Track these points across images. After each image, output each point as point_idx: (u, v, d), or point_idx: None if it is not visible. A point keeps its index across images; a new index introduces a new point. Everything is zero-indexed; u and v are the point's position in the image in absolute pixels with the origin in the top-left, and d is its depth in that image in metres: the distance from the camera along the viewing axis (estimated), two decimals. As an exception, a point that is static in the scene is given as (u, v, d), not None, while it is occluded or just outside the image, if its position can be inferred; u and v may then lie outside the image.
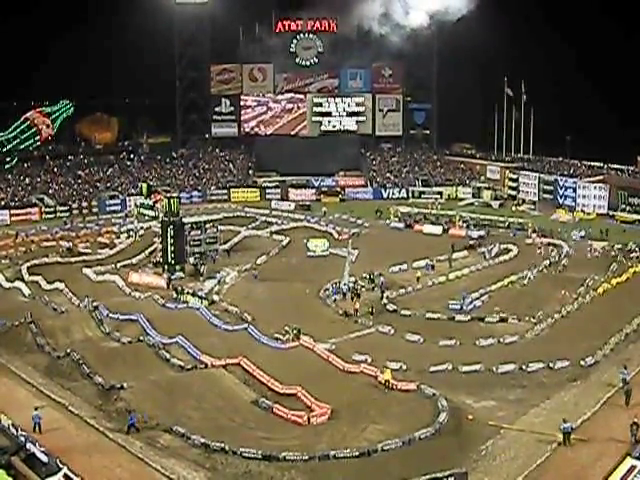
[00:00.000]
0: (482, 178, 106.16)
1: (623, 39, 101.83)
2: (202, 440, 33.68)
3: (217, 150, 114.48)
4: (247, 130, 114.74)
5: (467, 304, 54.14)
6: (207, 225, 69.43)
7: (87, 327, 50.75)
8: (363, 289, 58.70)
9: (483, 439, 34.13)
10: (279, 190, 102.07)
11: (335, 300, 56.15)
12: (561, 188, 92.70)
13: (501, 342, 47.13)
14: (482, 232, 76.81)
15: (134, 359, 44.43)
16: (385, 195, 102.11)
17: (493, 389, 39.87)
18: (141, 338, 47.73)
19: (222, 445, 33.11)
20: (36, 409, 34.82)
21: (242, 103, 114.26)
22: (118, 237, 77.54)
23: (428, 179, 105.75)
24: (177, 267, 64.18)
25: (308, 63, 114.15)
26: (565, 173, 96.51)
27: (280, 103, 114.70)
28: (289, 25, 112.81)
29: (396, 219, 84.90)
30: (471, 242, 70.20)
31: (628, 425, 33.52)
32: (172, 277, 62.18)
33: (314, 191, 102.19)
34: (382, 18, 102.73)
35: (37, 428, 33.92)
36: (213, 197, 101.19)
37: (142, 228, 77.86)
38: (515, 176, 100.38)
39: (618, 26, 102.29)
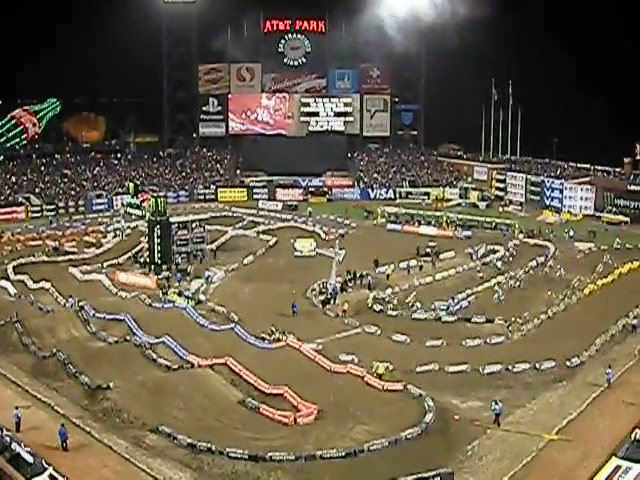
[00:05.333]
0: (469, 179, 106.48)
1: (611, 41, 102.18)
2: (188, 440, 33.62)
3: (204, 150, 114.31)
4: (234, 130, 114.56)
5: (454, 305, 54.26)
6: (194, 225, 69.34)
7: (73, 327, 50.49)
8: (350, 289, 59.03)
9: (469, 439, 34.23)
10: (266, 190, 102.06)
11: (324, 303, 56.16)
12: (548, 189, 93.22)
13: (487, 343, 47.26)
14: (469, 232, 77.46)
15: (120, 359, 44.24)
16: (372, 195, 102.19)
17: (479, 389, 39.95)
18: (127, 338, 47.58)
19: (208, 445, 33.07)
20: (17, 408, 34.73)
21: (229, 103, 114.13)
22: (105, 236, 77.31)
23: (415, 180, 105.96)
24: (163, 267, 64.11)
25: (296, 63, 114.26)
26: (552, 174, 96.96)
27: (268, 103, 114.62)
28: (277, 25, 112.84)
29: (383, 220, 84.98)
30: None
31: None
32: (163, 276, 62.16)
33: (301, 191, 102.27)
34: (371, 19, 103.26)
35: (16, 427, 33.92)
36: (200, 197, 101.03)
37: (129, 227, 77.69)
38: (502, 177, 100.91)
39: (606, 29, 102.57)
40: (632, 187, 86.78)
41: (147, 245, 65.71)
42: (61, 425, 33.45)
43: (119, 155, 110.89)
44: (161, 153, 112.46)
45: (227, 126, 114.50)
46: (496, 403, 36.16)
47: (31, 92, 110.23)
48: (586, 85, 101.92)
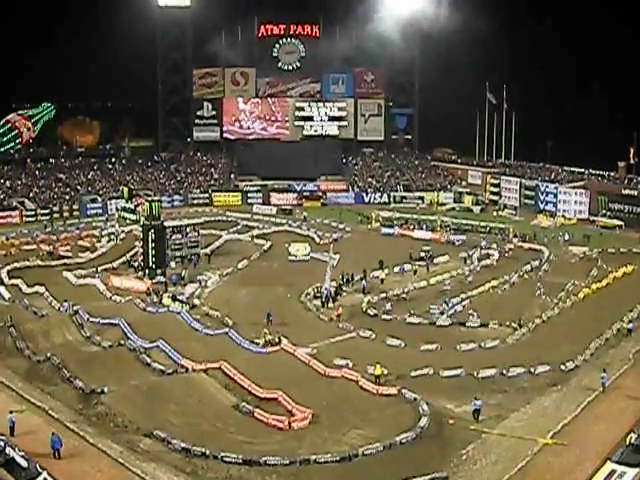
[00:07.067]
0: (464, 183, 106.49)
1: (605, 46, 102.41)
2: (183, 445, 33.53)
3: (199, 154, 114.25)
4: (229, 134, 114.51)
5: (448, 309, 54.21)
6: (188, 229, 69.35)
7: (67, 331, 50.42)
8: (345, 293, 59.07)
9: (464, 444, 34.17)
10: (261, 194, 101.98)
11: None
12: (542, 193, 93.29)
13: (482, 347, 47.23)
14: (464, 237, 77.50)
15: (115, 363, 44.15)
16: (367, 200, 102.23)
17: (474, 394, 39.86)
18: (122, 342, 47.47)
19: (203, 450, 33.00)
20: (11, 412, 34.61)
21: (224, 107, 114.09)
22: (99, 241, 77.19)
23: (409, 184, 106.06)
24: (158, 271, 64.04)
25: (290, 67, 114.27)
26: (546, 178, 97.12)
27: (262, 107, 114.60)
28: (271, 29, 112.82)
29: (377, 224, 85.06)
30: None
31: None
32: (158, 281, 62.12)
33: (296, 195, 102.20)
34: (365, 24, 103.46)
35: (10, 431, 33.80)
36: (194, 201, 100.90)
37: (123, 232, 77.51)
38: (496, 181, 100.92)
39: (602, 32, 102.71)
40: (626, 191, 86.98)
41: (141, 249, 65.59)
42: (52, 434, 32.95)
43: (113, 159, 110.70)
44: (155, 157, 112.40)
45: (221, 130, 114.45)
46: (476, 399, 36.65)
47: (26, 96, 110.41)
48: (580, 89, 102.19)
